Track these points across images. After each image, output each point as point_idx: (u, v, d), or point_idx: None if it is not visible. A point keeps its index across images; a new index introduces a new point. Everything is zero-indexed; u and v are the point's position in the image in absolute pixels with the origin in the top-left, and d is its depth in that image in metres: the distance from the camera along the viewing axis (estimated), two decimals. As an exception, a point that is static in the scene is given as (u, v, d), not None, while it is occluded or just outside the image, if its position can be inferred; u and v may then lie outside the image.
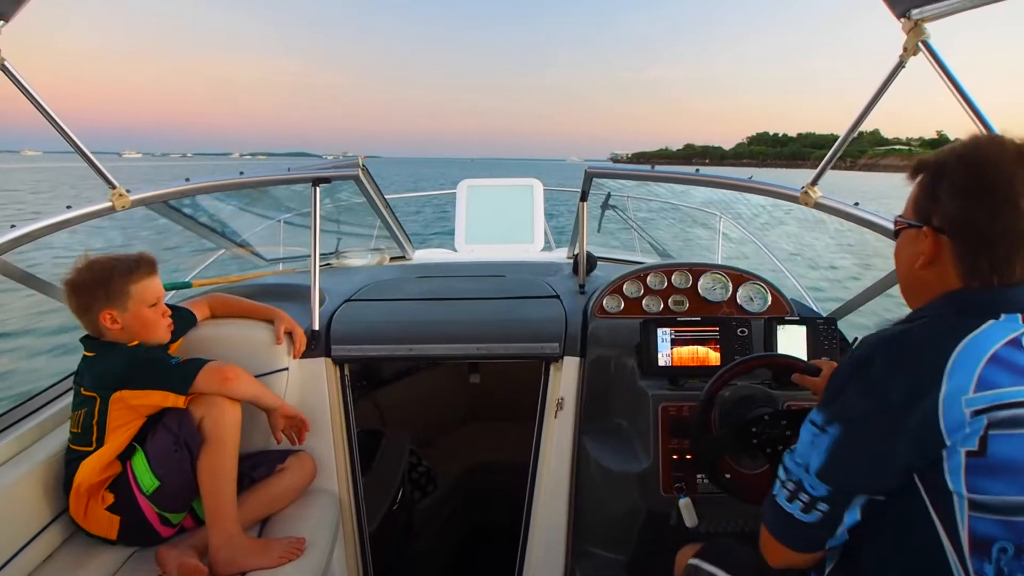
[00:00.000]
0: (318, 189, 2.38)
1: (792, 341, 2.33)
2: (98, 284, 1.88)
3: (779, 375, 2.16)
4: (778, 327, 2.31)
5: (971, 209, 1.05)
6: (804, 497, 1.10)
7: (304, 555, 1.85)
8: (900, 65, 2.01)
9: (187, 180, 2.38)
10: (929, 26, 1.94)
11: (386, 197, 3.28)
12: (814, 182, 2.34)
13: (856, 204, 2.28)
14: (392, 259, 3.80)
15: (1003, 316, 1.01)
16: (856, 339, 2.41)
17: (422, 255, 3.99)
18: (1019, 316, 1.01)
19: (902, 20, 1.97)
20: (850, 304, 2.50)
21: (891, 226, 1.39)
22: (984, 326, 0.99)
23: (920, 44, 1.95)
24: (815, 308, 2.69)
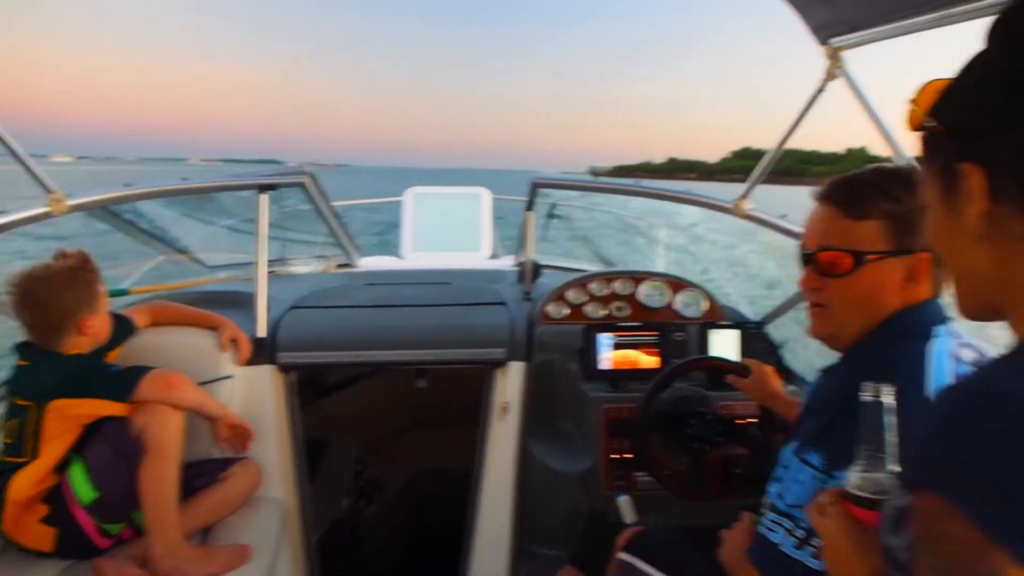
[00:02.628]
0: (265, 196, 2.38)
1: (725, 345, 2.44)
2: (84, 288, 1.84)
3: (714, 377, 2.26)
4: (712, 332, 2.42)
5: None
6: (817, 542, 1.06)
7: (249, 562, 1.84)
8: (821, 89, 2.14)
9: (127, 185, 2.35)
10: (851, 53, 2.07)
11: (333, 204, 3.28)
12: (745, 195, 2.47)
13: (783, 216, 2.40)
14: (338, 266, 3.79)
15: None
16: (781, 343, 2.54)
17: (368, 262, 3.99)
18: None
19: (824, 47, 2.10)
20: (777, 310, 2.62)
21: None
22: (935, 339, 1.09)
23: (838, 70, 2.08)
24: (746, 313, 2.81)
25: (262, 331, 2.37)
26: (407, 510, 3.39)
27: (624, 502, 2.09)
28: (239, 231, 3.81)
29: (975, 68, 0.72)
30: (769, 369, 1.79)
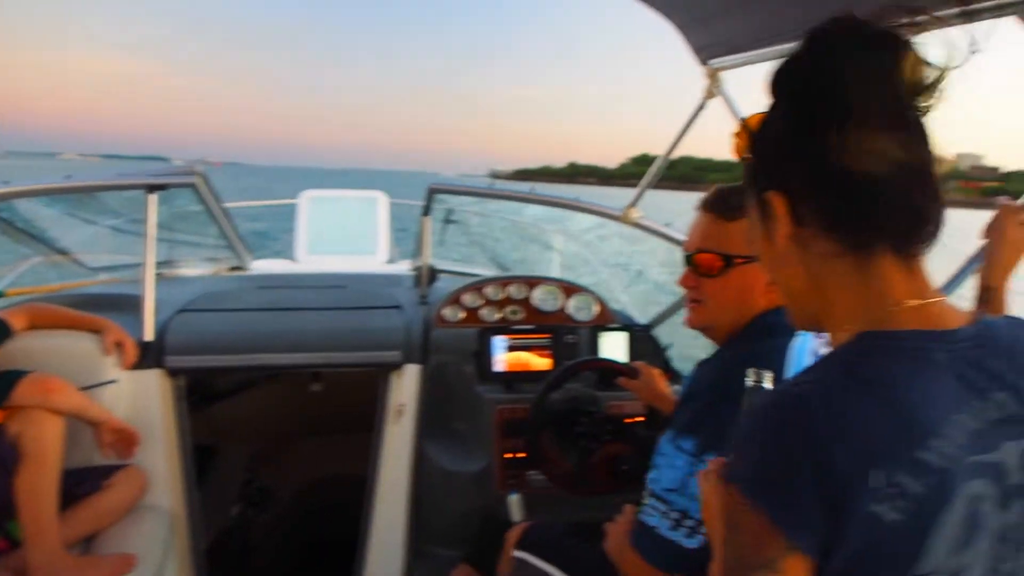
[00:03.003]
0: (154, 196, 2.31)
1: (615, 347, 2.57)
2: None
3: (604, 378, 2.38)
4: (603, 334, 2.55)
5: None
6: (690, 523, 1.16)
7: (133, 572, 1.80)
8: (701, 106, 2.31)
9: (4, 183, 2.23)
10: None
11: (225, 206, 3.21)
12: (633, 204, 2.61)
13: (668, 224, 2.57)
14: (230, 269, 3.70)
15: None
16: (668, 345, 2.71)
17: (261, 265, 3.91)
18: None
19: (704, 67, 2.26)
20: (664, 313, 2.78)
21: None
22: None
23: (717, 89, 2.25)
24: (635, 317, 2.96)
25: (149, 335, 2.30)
26: (300, 518, 3.34)
27: (515, 500, 2.17)
28: (123, 231, 3.64)
29: (772, 107, 0.81)
30: (656, 372, 1.91)
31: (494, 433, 2.27)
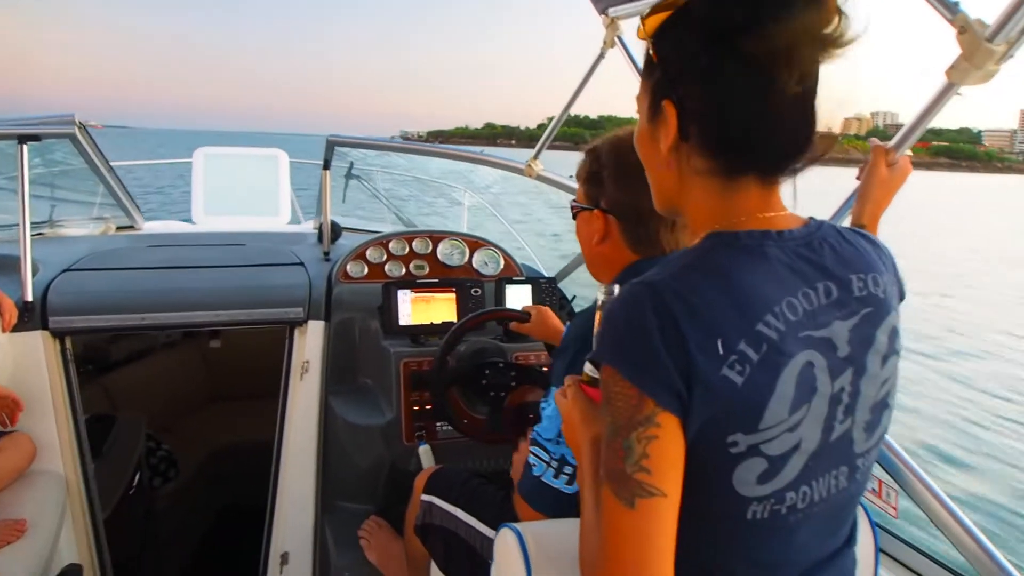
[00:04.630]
0: (25, 147, 2.16)
1: (520, 299, 2.61)
2: None
3: (508, 330, 2.42)
4: (507, 287, 2.59)
5: (624, 190, 1.29)
6: (569, 470, 1.23)
7: (25, 537, 1.73)
8: (601, 55, 2.34)
9: None
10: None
11: (113, 164, 3.04)
12: (536, 156, 2.64)
13: (571, 176, 2.61)
14: (119, 228, 3.51)
15: None
16: (574, 296, 2.77)
17: (154, 226, 3.74)
18: None
19: (602, 17, 2.28)
20: (568, 267, 2.85)
21: None
22: None
23: (616, 38, 2.28)
24: (540, 270, 3.01)
25: (29, 295, 2.17)
26: (208, 484, 3.27)
27: (424, 451, 2.20)
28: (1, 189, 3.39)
29: (686, 13, 0.85)
30: (545, 310, 1.96)
31: (400, 386, 2.28)
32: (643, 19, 0.89)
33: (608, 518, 0.76)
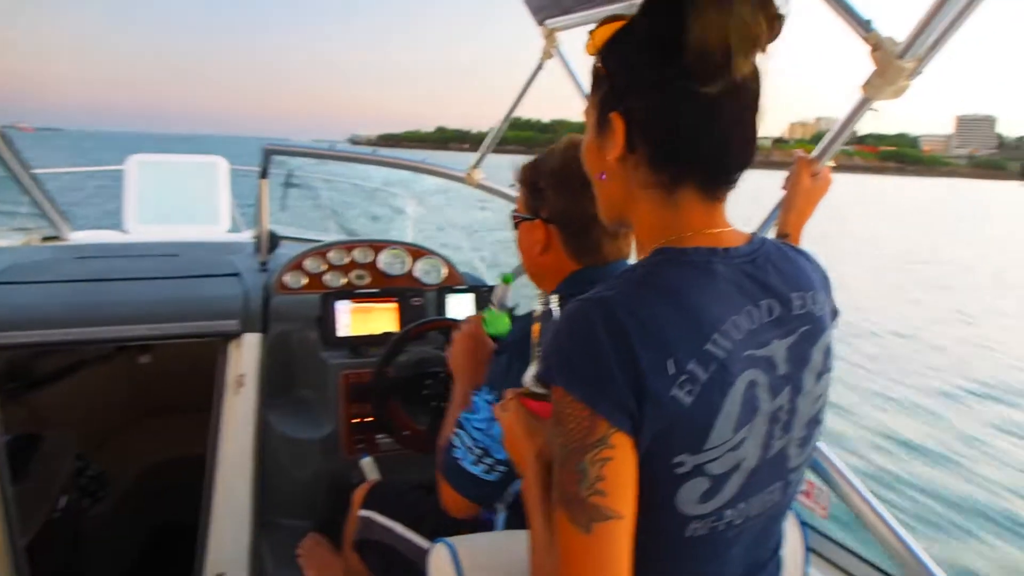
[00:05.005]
0: None
1: (462, 308, 2.60)
2: None
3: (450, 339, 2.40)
4: (448, 296, 2.57)
5: (566, 200, 1.29)
6: (489, 461, 1.23)
7: None
8: (539, 67, 2.34)
9: None
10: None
11: (37, 171, 2.92)
12: (476, 165, 2.63)
13: (512, 185, 2.61)
14: (44, 239, 3.37)
15: None
16: (516, 304, 2.76)
17: (83, 236, 3.59)
18: None
19: (541, 27, 2.29)
20: (513, 272, 2.83)
21: None
22: None
23: (554, 49, 2.29)
24: (484, 278, 3.00)
25: None
26: (140, 504, 3.15)
27: (367, 463, 2.16)
28: None
29: (631, 28, 0.86)
30: (475, 317, 1.96)
31: (340, 398, 2.24)
32: (591, 33, 0.90)
33: (565, 543, 0.75)
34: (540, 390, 0.92)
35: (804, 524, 1.26)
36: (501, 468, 1.23)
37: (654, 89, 0.82)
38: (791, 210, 1.42)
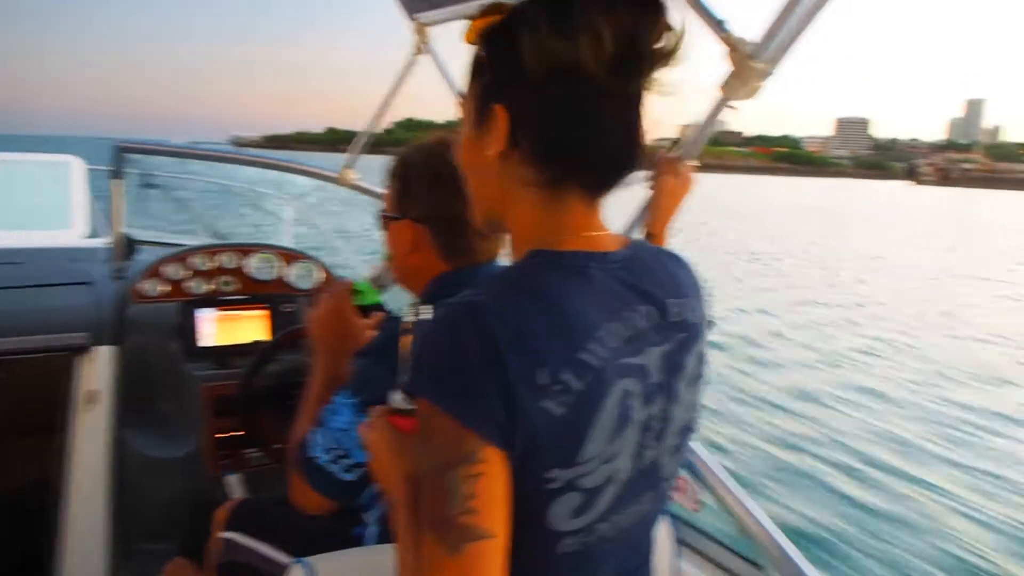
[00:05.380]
0: None
1: None
2: None
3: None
4: None
5: (436, 200, 1.24)
6: (349, 462, 1.18)
7: None
8: (411, 63, 2.29)
9: None
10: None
11: None
12: (350, 164, 2.54)
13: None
14: None
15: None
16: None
17: None
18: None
19: (412, 22, 2.24)
20: (383, 277, 2.76)
21: None
22: None
23: (425, 45, 2.24)
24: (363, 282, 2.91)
25: None
26: None
27: (233, 480, 2.05)
28: None
29: (517, 16, 0.81)
30: (345, 284, 1.88)
31: (203, 412, 2.10)
32: (472, 20, 0.85)
33: (433, 566, 0.69)
34: (409, 406, 0.86)
35: (674, 518, 1.28)
36: (360, 469, 1.18)
37: (541, 82, 0.78)
38: (657, 210, 1.43)
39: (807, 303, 13.86)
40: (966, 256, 25.17)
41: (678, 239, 1.45)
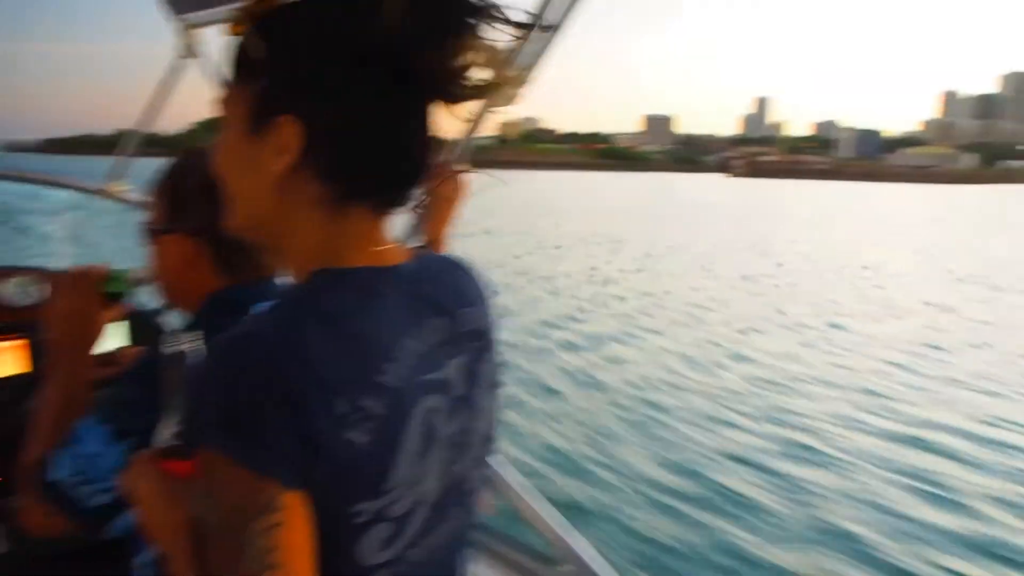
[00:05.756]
0: None
1: (115, 336, 2.28)
2: None
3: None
4: None
5: (212, 212, 1.15)
6: (99, 487, 1.05)
7: None
8: (176, 68, 2.13)
9: None
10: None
11: None
12: (117, 174, 2.34)
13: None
14: None
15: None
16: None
17: None
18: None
19: (176, 24, 2.08)
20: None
21: None
22: None
23: (195, 48, 2.09)
24: (147, 301, 2.69)
25: None
26: None
27: None
28: None
29: (307, 9, 0.72)
30: (98, 268, 1.72)
31: None
32: (243, 9, 0.73)
33: None
34: (182, 445, 0.76)
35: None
36: (111, 494, 1.04)
37: (340, 88, 0.71)
38: (434, 217, 1.43)
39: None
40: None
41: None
